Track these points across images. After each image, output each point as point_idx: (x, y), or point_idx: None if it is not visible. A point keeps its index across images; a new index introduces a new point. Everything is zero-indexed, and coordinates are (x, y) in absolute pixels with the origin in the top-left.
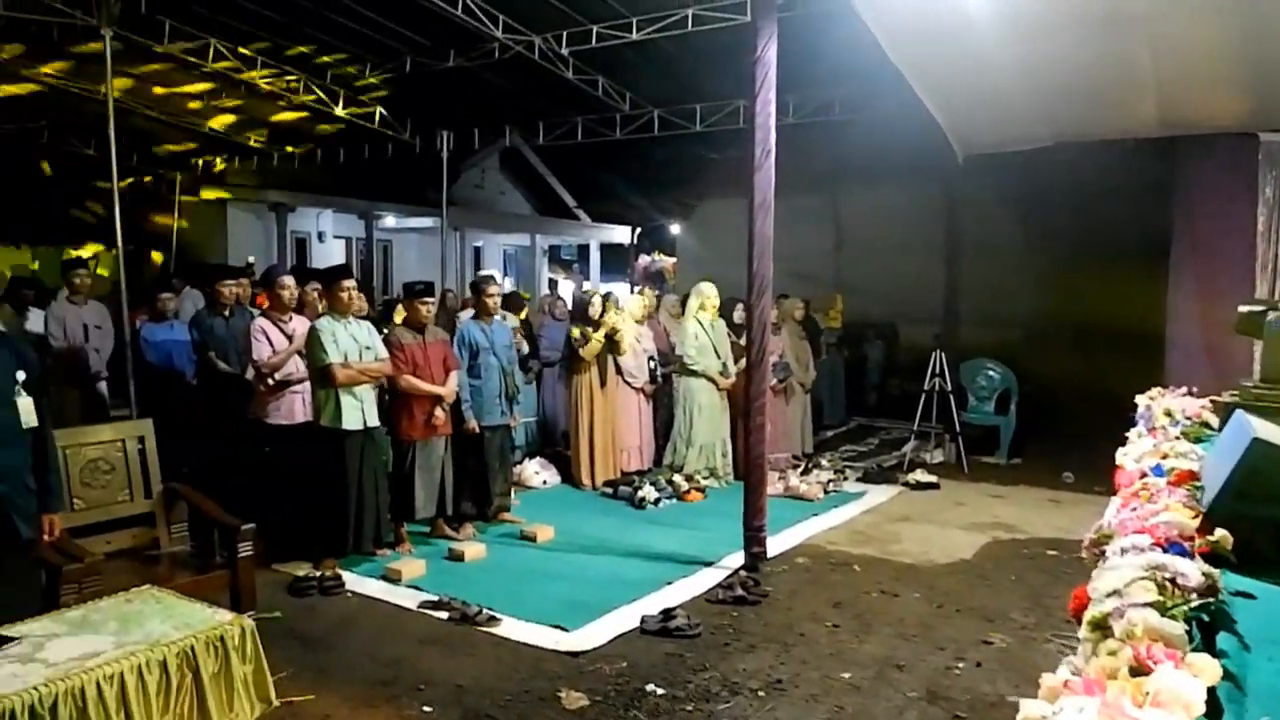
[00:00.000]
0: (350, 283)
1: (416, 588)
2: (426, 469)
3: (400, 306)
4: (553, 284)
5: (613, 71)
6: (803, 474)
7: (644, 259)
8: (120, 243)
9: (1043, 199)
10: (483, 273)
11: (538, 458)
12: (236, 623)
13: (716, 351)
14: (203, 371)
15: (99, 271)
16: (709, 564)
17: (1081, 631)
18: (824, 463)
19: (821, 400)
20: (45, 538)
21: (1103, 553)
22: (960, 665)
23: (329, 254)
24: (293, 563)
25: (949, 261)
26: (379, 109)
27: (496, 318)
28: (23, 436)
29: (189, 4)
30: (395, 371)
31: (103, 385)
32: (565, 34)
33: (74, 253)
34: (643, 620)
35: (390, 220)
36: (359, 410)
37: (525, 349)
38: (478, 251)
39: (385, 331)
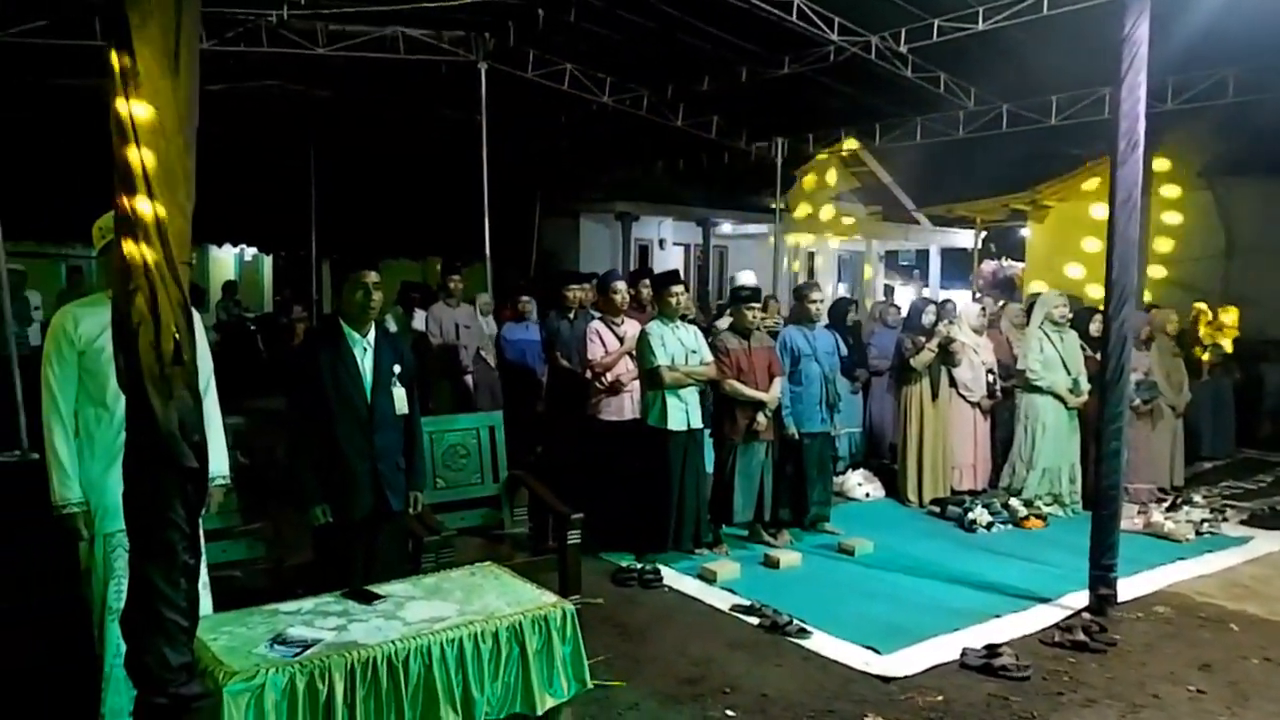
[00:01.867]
0: (679, 288)
1: (730, 590)
2: (746, 473)
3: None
4: (888, 290)
5: (955, 66)
6: (1168, 510)
7: (990, 264)
8: (489, 252)
9: None
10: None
11: (861, 469)
12: (559, 606)
13: (1066, 366)
14: (550, 369)
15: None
16: (1045, 601)
17: None
18: (1197, 499)
19: (1199, 427)
20: (411, 511)
21: None
22: None
23: (668, 260)
24: (617, 553)
25: None
26: (715, 119)
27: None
28: (396, 422)
29: (548, 35)
30: (720, 375)
31: (469, 378)
32: (904, 31)
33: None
34: (964, 653)
35: (726, 227)
36: (683, 412)
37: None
38: (811, 257)
39: (711, 336)
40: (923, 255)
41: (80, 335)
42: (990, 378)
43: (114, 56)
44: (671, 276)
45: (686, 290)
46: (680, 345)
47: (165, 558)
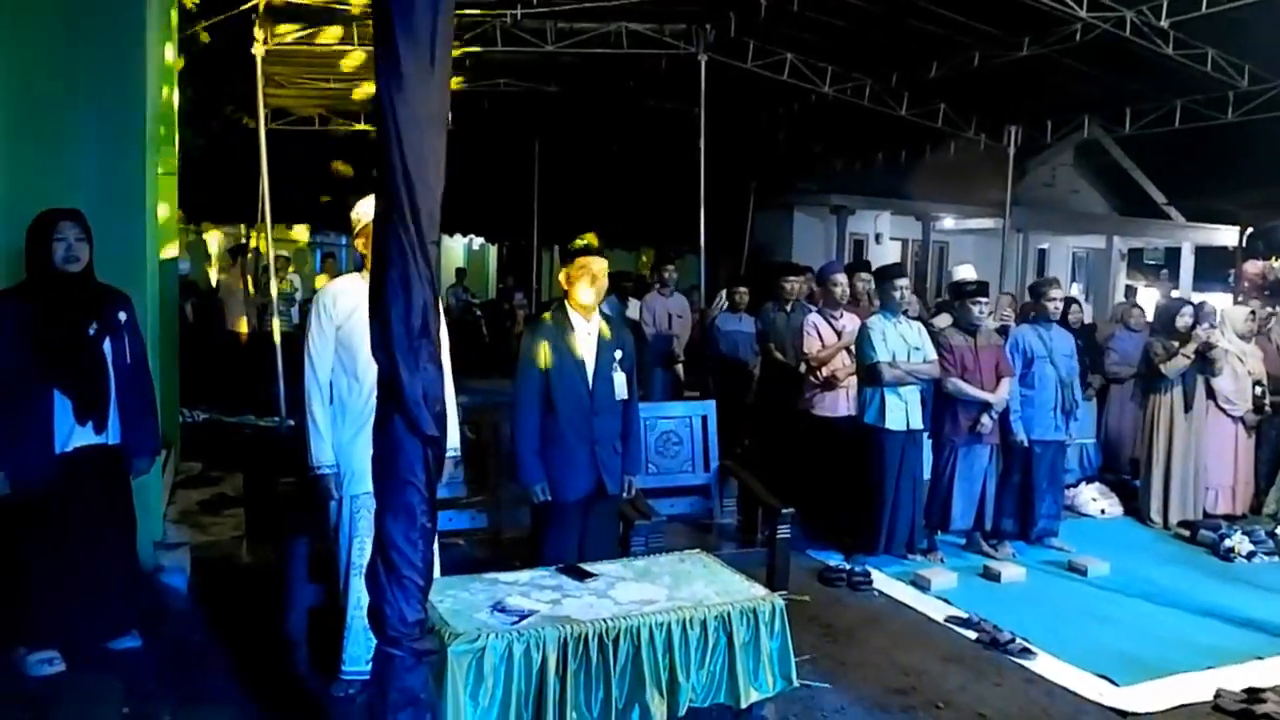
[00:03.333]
0: (903, 282)
1: (945, 600)
2: (967, 478)
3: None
4: (1130, 291)
5: (1226, 40)
6: None
7: (1256, 265)
8: (703, 243)
9: None
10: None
11: (1096, 483)
12: (769, 599)
13: None
14: (763, 361)
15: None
16: None
17: None
18: None
19: None
20: (625, 495)
21: None
22: None
23: (885, 255)
24: (825, 551)
25: None
26: (943, 107)
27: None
28: (615, 407)
29: (769, 24)
30: (942, 374)
31: (680, 368)
32: (1165, 3)
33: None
34: (1218, 695)
35: (948, 222)
36: (903, 410)
37: None
38: (1042, 254)
39: (936, 330)
40: (1172, 254)
41: (337, 311)
42: (1258, 390)
43: (379, 51)
44: (896, 269)
45: (911, 284)
46: (902, 341)
47: (406, 518)
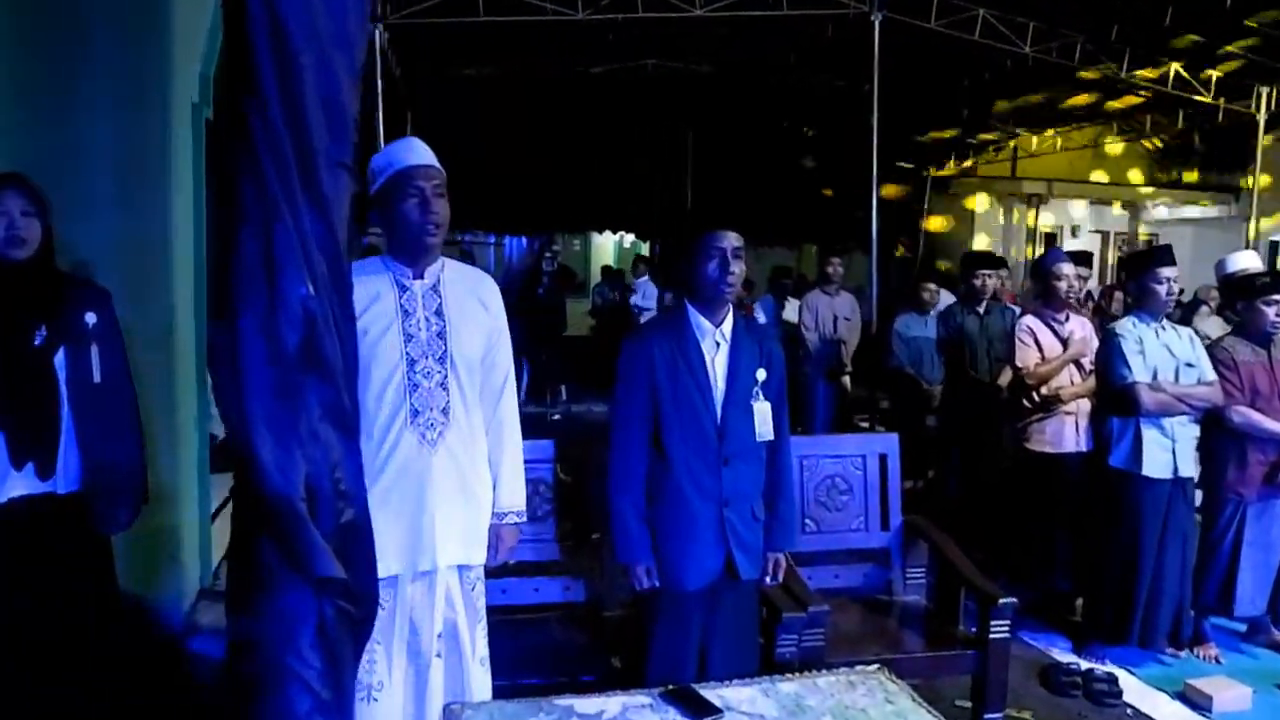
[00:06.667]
0: (1171, 272)
1: None
2: (1263, 546)
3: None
4: None
5: None
6: None
7: None
8: (875, 236)
9: None
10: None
11: None
12: None
13: None
14: (949, 376)
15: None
16: None
17: None
18: None
19: None
20: (768, 580)
21: None
22: None
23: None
24: (1043, 634)
25: None
26: (1174, 67)
27: None
28: (756, 450)
29: None
30: (1226, 400)
31: (847, 379)
32: None
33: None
34: None
35: (1161, 211)
36: (1169, 451)
37: None
38: (1274, 247)
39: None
40: None
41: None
42: None
43: None
44: (1163, 254)
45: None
46: (1168, 354)
47: None
